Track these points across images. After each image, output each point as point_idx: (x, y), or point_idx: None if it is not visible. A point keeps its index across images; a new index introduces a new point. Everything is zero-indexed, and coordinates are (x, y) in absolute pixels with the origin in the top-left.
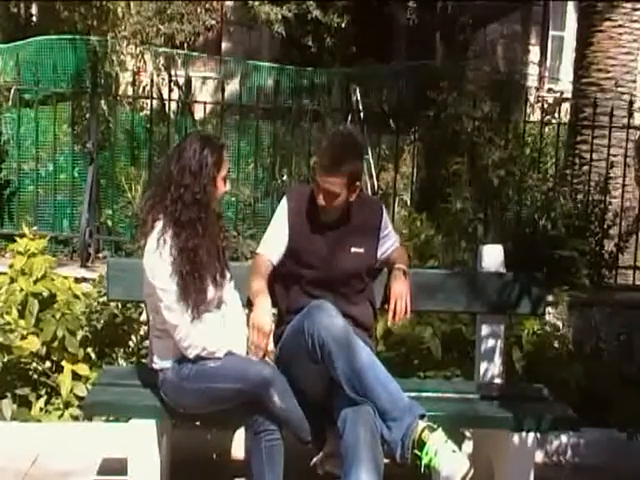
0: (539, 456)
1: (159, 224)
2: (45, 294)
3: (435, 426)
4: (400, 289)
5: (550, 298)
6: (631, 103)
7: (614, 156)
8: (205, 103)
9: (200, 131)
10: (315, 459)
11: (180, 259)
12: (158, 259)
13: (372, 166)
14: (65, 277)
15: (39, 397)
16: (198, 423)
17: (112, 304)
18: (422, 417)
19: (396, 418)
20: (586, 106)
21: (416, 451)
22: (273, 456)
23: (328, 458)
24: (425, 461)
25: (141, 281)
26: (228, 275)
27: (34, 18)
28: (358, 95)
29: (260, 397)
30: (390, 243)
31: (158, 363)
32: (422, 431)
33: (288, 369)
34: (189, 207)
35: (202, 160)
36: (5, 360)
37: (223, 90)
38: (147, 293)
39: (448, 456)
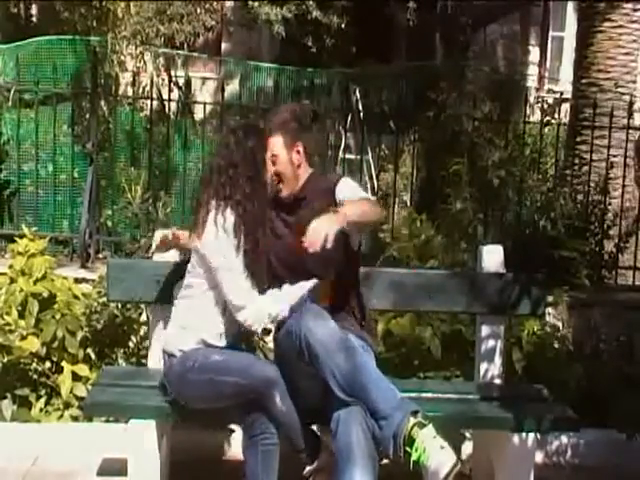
0: (539, 456)
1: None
2: (45, 295)
3: (426, 422)
4: (317, 222)
5: (550, 298)
6: (631, 104)
7: (614, 157)
8: (205, 104)
9: (237, 122)
10: (306, 470)
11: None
12: (225, 242)
13: (372, 167)
14: (65, 278)
15: (39, 398)
16: (198, 423)
17: (112, 305)
18: (416, 413)
19: (387, 416)
20: (586, 107)
21: (407, 448)
22: (269, 460)
23: (319, 472)
24: (414, 457)
25: (141, 281)
26: None
27: (34, 18)
28: (358, 95)
29: (262, 396)
30: (344, 195)
31: (172, 346)
32: (412, 428)
33: (283, 371)
34: (246, 194)
35: (246, 148)
36: (5, 361)
37: (223, 90)
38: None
39: (435, 451)
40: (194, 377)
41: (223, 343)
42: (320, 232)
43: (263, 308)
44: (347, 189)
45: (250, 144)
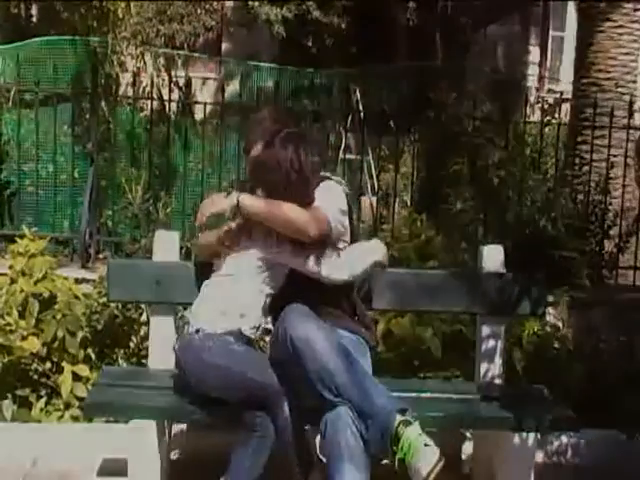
0: (539, 456)
1: None
2: (45, 295)
3: (411, 420)
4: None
5: (550, 298)
6: (631, 103)
7: (614, 156)
8: (205, 104)
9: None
10: None
11: None
12: None
13: (372, 167)
14: (65, 278)
15: (39, 398)
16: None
17: (112, 305)
18: (404, 412)
19: (373, 416)
20: (586, 106)
21: (393, 446)
22: (258, 458)
23: None
24: (399, 455)
25: (141, 282)
26: None
27: (34, 19)
28: (358, 96)
29: (271, 396)
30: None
31: (203, 322)
32: (398, 426)
33: (275, 372)
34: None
35: (297, 157)
36: (5, 361)
37: (223, 91)
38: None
39: (419, 449)
40: (210, 359)
41: (257, 335)
42: (201, 208)
43: (343, 261)
44: (317, 194)
45: (299, 154)
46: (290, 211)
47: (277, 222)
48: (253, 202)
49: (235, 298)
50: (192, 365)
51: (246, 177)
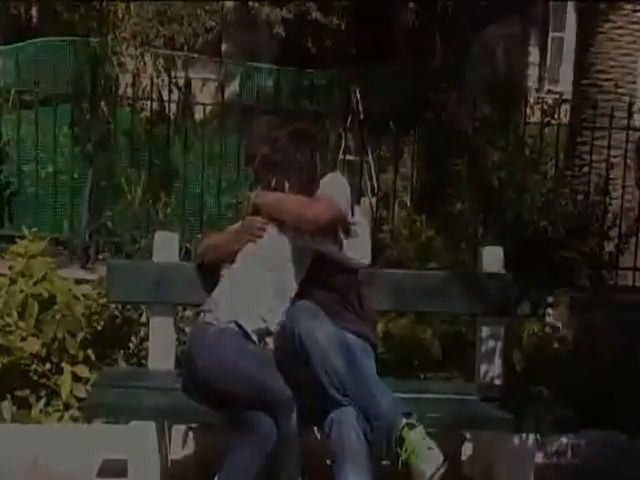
0: (539, 457)
1: None
2: (45, 296)
3: (416, 423)
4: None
5: (550, 299)
6: (631, 104)
7: (614, 157)
8: (205, 105)
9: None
10: None
11: None
12: None
13: (372, 167)
14: (65, 279)
15: (39, 399)
16: (199, 424)
17: (112, 305)
18: (409, 415)
19: (379, 418)
20: (586, 107)
21: (397, 449)
22: (255, 460)
23: None
24: (403, 458)
25: (141, 282)
26: None
27: (34, 20)
28: (358, 96)
29: (281, 403)
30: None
31: (217, 314)
32: (402, 429)
33: (282, 369)
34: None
35: (307, 150)
36: (5, 362)
37: (223, 91)
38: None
39: (423, 452)
40: (224, 352)
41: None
42: None
43: (363, 244)
44: (321, 185)
45: (308, 146)
46: (290, 201)
47: (280, 212)
48: (262, 198)
49: (261, 294)
50: (203, 354)
51: (258, 181)
